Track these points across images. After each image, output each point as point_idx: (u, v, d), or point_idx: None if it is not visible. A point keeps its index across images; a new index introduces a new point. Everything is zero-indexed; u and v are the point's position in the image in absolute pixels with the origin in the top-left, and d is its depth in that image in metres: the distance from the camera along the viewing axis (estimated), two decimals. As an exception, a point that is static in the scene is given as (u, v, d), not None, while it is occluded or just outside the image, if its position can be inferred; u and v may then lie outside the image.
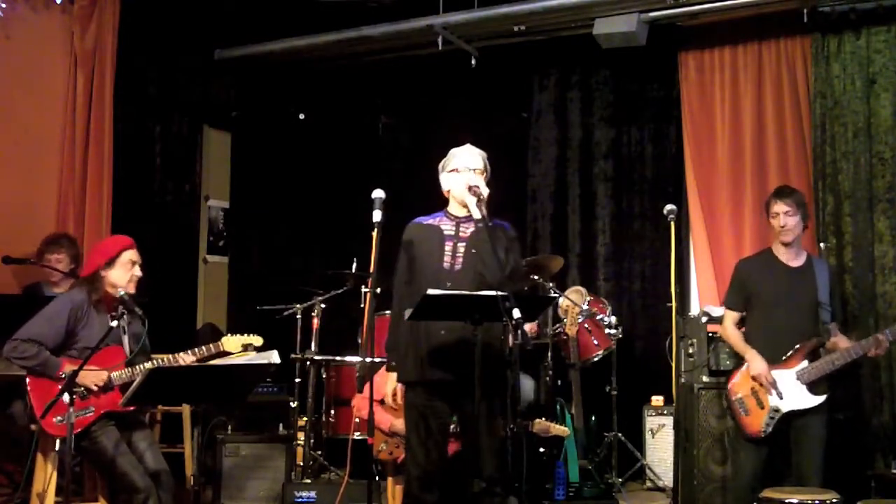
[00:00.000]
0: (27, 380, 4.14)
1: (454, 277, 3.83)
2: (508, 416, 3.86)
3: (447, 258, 3.90)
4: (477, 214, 3.82)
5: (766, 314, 4.57)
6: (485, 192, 3.85)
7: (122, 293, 4.26)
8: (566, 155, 7.20)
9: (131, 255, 4.32)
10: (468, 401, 3.68)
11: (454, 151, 4.03)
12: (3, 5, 5.68)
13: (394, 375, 3.97)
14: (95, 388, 4.11)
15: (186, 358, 4.30)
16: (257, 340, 4.49)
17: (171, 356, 4.30)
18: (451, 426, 4.01)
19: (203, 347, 4.37)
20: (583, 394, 5.73)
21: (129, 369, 4.20)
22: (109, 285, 4.28)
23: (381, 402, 4.51)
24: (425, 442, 3.84)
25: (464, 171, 3.93)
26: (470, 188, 3.84)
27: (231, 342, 4.44)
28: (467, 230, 3.95)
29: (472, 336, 3.58)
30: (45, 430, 4.05)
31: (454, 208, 4.00)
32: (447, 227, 3.96)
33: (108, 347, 4.16)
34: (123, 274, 4.28)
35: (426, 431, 3.84)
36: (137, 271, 4.33)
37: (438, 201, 4.08)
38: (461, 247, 3.91)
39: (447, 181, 4.01)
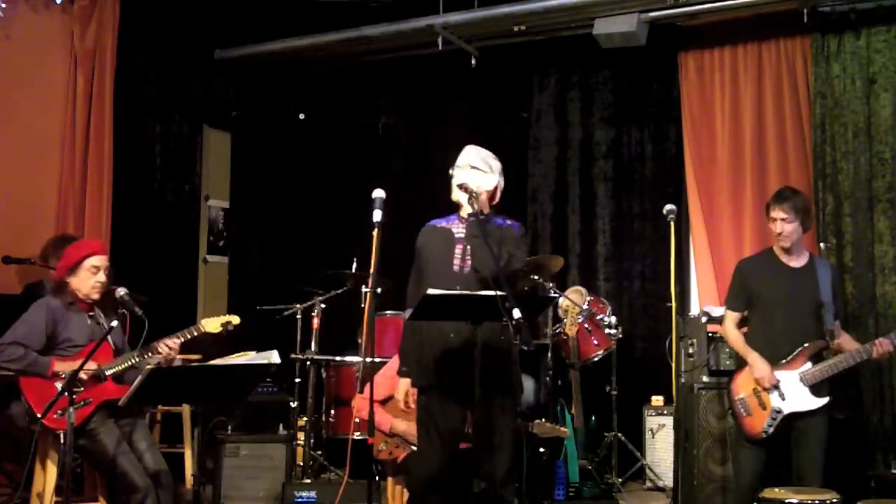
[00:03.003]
0: (20, 382, 4.15)
1: (463, 280, 3.82)
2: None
3: (457, 261, 3.90)
4: (469, 210, 3.83)
5: (768, 314, 4.55)
6: (475, 187, 3.84)
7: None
8: (566, 155, 7.20)
9: (94, 261, 4.29)
10: (480, 402, 3.69)
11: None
12: (4, 5, 5.68)
13: (406, 381, 3.97)
14: (86, 377, 4.12)
15: (168, 343, 4.28)
16: (235, 319, 4.48)
17: (155, 344, 4.28)
18: (466, 428, 4.01)
19: (185, 331, 4.35)
20: (583, 394, 5.73)
21: (120, 362, 4.23)
22: (74, 290, 4.29)
23: (382, 402, 4.51)
24: (434, 444, 3.84)
25: (456, 171, 3.95)
26: (460, 186, 3.87)
27: (210, 323, 4.43)
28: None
29: (472, 335, 3.58)
30: (46, 425, 4.05)
31: (463, 210, 4.00)
32: (458, 230, 3.96)
33: (93, 343, 4.15)
34: (85, 281, 4.28)
35: (436, 434, 3.84)
36: (101, 277, 4.30)
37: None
38: (469, 249, 3.91)
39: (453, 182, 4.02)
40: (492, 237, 3.76)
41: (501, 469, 3.78)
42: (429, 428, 3.86)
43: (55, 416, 4.02)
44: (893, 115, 5.80)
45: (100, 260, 4.31)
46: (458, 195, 3.91)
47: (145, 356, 4.24)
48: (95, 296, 4.31)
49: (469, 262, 3.87)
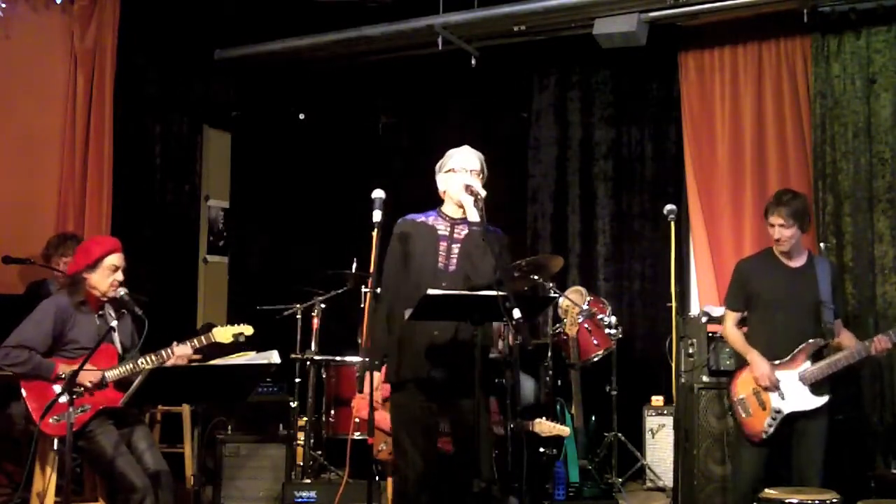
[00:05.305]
0: (21, 385, 4.12)
1: (448, 278, 3.83)
2: (508, 416, 3.86)
3: (441, 258, 3.89)
4: (473, 216, 3.81)
5: (768, 314, 4.55)
6: (482, 192, 3.84)
7: (122, 292, 4.27)
8: (566, 155, 7.20)
9: (114, 259, 4.28)
10: (460, 400, 3.67)
11: (451, 152, 4.02)
12: (4, 5, 5.68)
13: (377, 374, 3.90)
14: (90, 385, 4.11)
15: (177, 350, 4.28)
16: (248, 330, 4.46)
17: (162, 352, 4.28)
18: (441, 426, 4.00)
19: (195, 339, 4.36)
20: (583, 394, 5.73)
21: (123, 366, 4.20)
22: (91, 287, 4.28)
23: (382, 401, 4.51)
24: (417, 442, 3.83)
25: (461, 172, 3.92)
26: (466, 188, 3.84)
27: (222, 333, 4.42)
28: (461, 232, 3.94)
29: (472, 337, 3.58)
30: (43, 430, 4.03)
31: (449, 209, 3.99)
32: (441, 228, 3.95)
33: (101, 346, 4.14)
34: (104, 279, 4.26)
35: (417, 431, 3.83)
36: (119, 276, 4.29)
37: (438, 201, 4.08)
38: (455, 248, 3.90)
39: (444, 182, 3.99)
40: (493, 247, 3.75)
41: (486, 468, 3.75)
42: (409, 425, 3.84)
43: (51, 420, 4.01)
44: (893, 115, 5.80)
45: (119, 259, 4.30)
46: (462, 197, 3.88)
47: (150, 362, 4.23)
48: (112, 293, 4.28)
49: (454, 261, 3.86)
